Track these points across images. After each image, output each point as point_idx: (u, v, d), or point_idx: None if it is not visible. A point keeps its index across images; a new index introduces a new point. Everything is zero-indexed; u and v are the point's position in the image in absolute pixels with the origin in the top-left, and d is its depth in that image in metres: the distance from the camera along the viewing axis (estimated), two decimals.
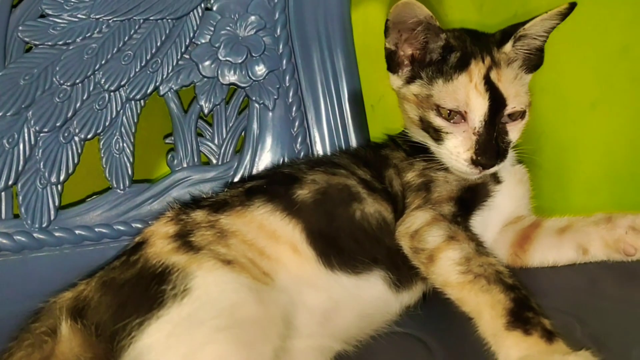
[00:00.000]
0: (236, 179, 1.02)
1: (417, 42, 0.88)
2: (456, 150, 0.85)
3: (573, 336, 0.66)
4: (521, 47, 0.88)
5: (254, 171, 1.03)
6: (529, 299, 0.70)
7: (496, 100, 0.84)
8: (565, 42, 1.13)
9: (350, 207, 0.84)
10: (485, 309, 0.69)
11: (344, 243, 0.82)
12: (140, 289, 0.71)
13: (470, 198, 0.87)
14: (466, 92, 0.84)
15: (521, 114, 0.87)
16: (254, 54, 1.02)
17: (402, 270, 0.82)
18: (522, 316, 0.67)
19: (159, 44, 0.99)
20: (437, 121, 0.86)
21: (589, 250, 0.86)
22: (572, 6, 0.86)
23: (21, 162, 0.95)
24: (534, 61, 0.90)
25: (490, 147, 0.83)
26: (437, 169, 0.88)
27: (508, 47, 0.87)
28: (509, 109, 0.85)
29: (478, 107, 0.83)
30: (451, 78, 0.86)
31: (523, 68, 0.89)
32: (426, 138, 0.89)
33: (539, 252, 0.90)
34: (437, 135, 0.87)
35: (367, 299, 0.81)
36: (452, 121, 0.85)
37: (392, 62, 0.92)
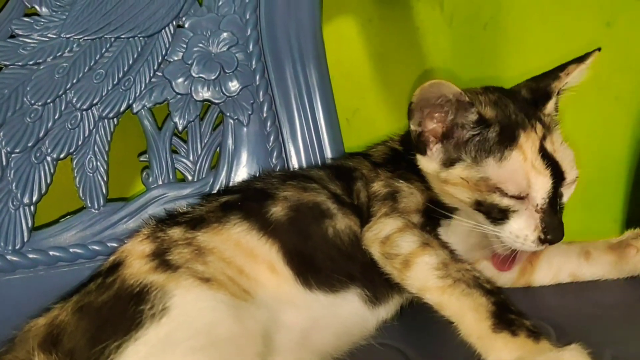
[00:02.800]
0: None
1: (440, 116, 0.81)
2: (523, 233, 0.78)
3: (550, 339, 0.66)
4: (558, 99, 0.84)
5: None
6: (508, 302, 0.70)
7: (557, 174, 0.77)
8: (534, 49, 1.16)
9: (322, 224, 0.83)
10: (468, 313, 0.69)
11: (320, 261, 0.82)
12: (117, 311, 0.70)
13: (435, 210, 0.84)
14: (524, 173, 0.77)
15: (575, 178, 0.80)
16: (227, 70, 1.02)
17: (377, 286, 0.82)
18: (505, 318, 0.68)
19: (131, 62, 0.99)
20: (505, 202, 0.78)
21: (591, 253, 0.85)
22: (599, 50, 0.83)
23: None
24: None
25: (556, 222, 0.77)
26: (400, 180, 0.86)
27: (551, 106, 0.81)
28: (568, 180, 0.79)
29: (540, 187, 0.77)
30: (502, 156, 0.78)
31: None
32: (477, 216, 0.81)
33: (546, 259, 0.87)
34: (502, 215, 0.79)
35: (345, 316, 0.81)
36: (519, 198, 0.78)
37: (420, 144, 0.83)
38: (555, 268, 0.86)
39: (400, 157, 0.92)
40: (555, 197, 0.78)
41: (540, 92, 0.83)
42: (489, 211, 0.79)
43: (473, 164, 0.80)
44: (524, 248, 0.79)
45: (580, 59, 0.83)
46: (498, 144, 0.79)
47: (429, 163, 0.84)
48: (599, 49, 0.82)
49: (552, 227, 0.77)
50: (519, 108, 0.82)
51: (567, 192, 0.80)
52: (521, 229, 0.78)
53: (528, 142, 0.78)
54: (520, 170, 0.77)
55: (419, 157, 0.84)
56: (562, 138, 0.82)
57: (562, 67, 0.84)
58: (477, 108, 0.79)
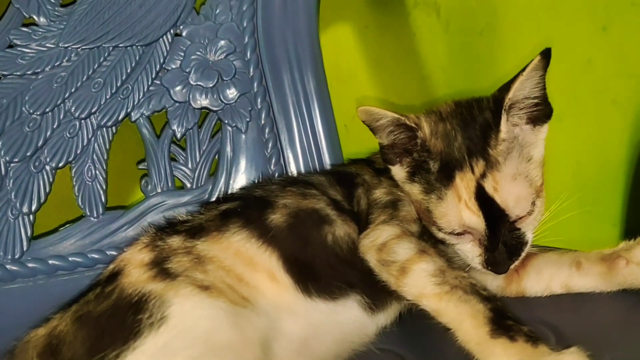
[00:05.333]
0: None
1: (401, 138, 0.82)
2: (470, 255, 0.80)
3: (549, 344, 0.66)
4: (518, 112, 0.79)
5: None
6: (505, 308, 0.70)
7: (494, 214, 0.77)
8: (530, 55, 1.16)
9: (322, 231, 0.83)
10: (466, 319, 0.70)
11: (320, 269, 0.82)
12: (116, 320, 0.70)
13: None
14: (458, 214, 0.78)
15: (528, 213, 0.79)
16: (224, 78, 1.02)
17: (376, 293, 0.82)
18: (503, 324, 0.68)
19: (129, 71, 0.99)
20: (440, 235, 0.81)
21: (582, 263, 0.84)
22: (547, 53, 0.77)
23: None
24: (541, 113, 0.81)
25: (499, 257, 0.78)
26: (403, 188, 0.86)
27: (503, 125, 0.77)
28: (512, 218, 0.78)
29: (474, 225, 0.78)
30: (441, 196, 0.79)
31: (530, 127, 0.81)
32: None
33: (534, 268, 0.87)
34: (443, 242, 0.82)
35: (345, 323, 0.81)
36: (455, 234, 0.80)
37: (388, 155, 0.85)
38: (547, 278, 0.85)
39: None
40: (495, 235, 0.78)
41: (498, 105, 0.79)
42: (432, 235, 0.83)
43: (424, 191, 0.82)
44: (474, 267, 0.81)
45: (523, 68, 0.78)
46: (437, 181, 0.80)
47: (398, 172, 0.86)
48: (547, 50, 0.77)
49: (493, 262, 0.78)
50: (466, 141, 0.80)
51: (524, 226, 0.79)
52: (467, 252, 0.81)
53: (463, 182, 0.78)
54: (453, 210, 0.78)
55: (390, 167, 0.86)
56: (525, 169, 0.79)
57: (512, 79, 0.79)
58: (422, 133, 0.80)
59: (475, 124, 0.81)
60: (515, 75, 0.78)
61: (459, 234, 0.80)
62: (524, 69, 0.77)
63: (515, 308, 0.72)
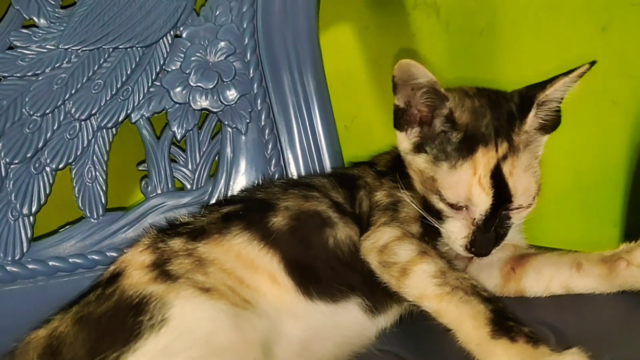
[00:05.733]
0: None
1: (422, 101, 0.82)
2: (454, 235, 0.82)
3: (549, 344, 0.66)
4: (540, 112, 0.82)
5: (229, 195, 1.02)
6: (506, 309, 0.70)
7: (502, 197, 0.78)
8: (530, 55, 1.17)
9: (323, 234, 0.84)
10: (467, 320, 0.70)
11: (321, 271, 0.82)
12: (117, 322, 0.70)
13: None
14: (468, 187, 0.79)
15: (527, 205, 0.82)
16: (224, 79, 1.02)
17: (377, 296, 0.82)
18: (504, 325, 0.68)
19: (129, 72, 0.99)
20: (440, 205, 0.82)
21: (583, 265, 0.84)
22: (592, 64, 0.80)
23: None
24: (550, 122, 0.84)
25: (486, 239, 0.80)
26: (403, 190, 0.86)
27: (530, 118, 0.80)
28: (514, 205, 0.80)
29: (479, 204, 0.79)
30: (454, 165, 0.80)
31: (539, 132, 0.83)
32: (427, 209, 0.84)
33: (534, 268, 0.87)
34: (437, 215, 0.83)
35: (345, 325, 0.81)
36: (454, 208, 0.81)
37: (400, 119, 0.85)
38: (546, 278, 0.85)
39: (404, 164, 0.92)
40: (492, 218, 0.79)
41: (526, 100, 0.82)
42: (429, 208, 0.83)
43: (433, 160, 0.82)
44: (454, 248, 0.82)
45: (568, 72, 0.82)
46: (456, 150, 0.80)
47: (403, 140, 0.86)
48: (592, 62, 0.81)
49: (480, 243, 0.80)
50: (495, 121, 0.81)
51: (517, 217, 0.82)
52: (453, 231, 0.82)
53: (484, 157, 0.79)
54: (465, 182, 0.79)
55: (397, 132, 0.86)
56: (534, 164, 0.82)
57: (552, 79, 0.83)
58: (451, 104, 0.81)
59: (502, 109, 0.83)
60: (556, 76, 0.80)
61: (459, 208, 0.80)
62: (568, 72, 0.80)
63: (515, 308, 0.72)
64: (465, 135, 0.81)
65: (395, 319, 0.85)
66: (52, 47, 0.97)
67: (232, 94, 1.03)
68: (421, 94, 0.81)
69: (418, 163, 0.85)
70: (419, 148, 0.85)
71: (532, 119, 0.81)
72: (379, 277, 0.80)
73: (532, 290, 0.86)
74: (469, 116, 0.82)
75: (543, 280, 0.86)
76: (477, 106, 0.83)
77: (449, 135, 0.81)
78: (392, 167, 0.92)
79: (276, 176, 1.03)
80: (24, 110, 0.96)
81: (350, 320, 0.82)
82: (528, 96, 0.82)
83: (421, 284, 0.75)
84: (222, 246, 0.81)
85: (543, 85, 0.81)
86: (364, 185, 0.91)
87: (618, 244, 0.85)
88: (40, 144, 0.96)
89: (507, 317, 0.69)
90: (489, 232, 0.80)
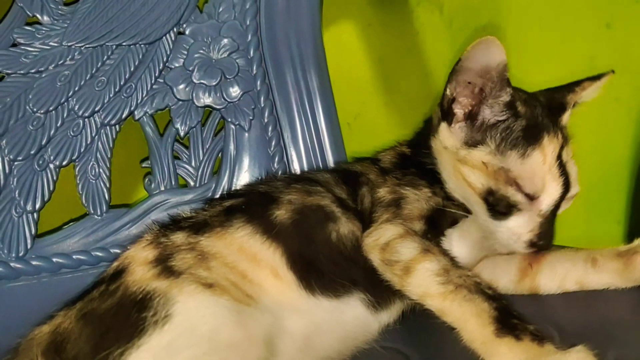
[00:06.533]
0: None
1: (474, 93, 0.81)
2: (518, 231, 0.80)
3: (554, 342, 0.66)
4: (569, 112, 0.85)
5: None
6: (510, 307, 0.70)
7: (566, 184, 0.80)
8: (534, 51, 1.16)
9: (326, 228, 0.83)
10: (471, 318, 0.69)
11: (324, 266, 0.81)
12: (121, 318, 0.70)
13: (439, 217, 0.85)
14: (542, 176, 0.78)
15: (575, 194, 0.82)
16: (228, 76, 1.02)
17: (380, 291, 0.82)
18: (508, 323, 0.67)
19: (132, 69, 0.99)
20: (517, 197, 0.79)
21: (597, 260, 0.83)
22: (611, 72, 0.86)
23: None
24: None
25: (551, 231, 0.80)
26: (407, 187, 0.86)
27: (566, 117, 0.83)
28: (570, 194, 0.81)
29: (552, 193, 0.78)
30: (525, 153, 0.79)
31: None
32: (478, 206, 0.82)
33: (548, 264, 0.86)
34: (506, 209, 0.80)
35: (348, 321, 0.81)
36: (531, 198, 0.79)
37: (449, 112, 0.83)
38: (561, 275, 0.85)
39: (408, 161, 0.92)
40: (557, 207, 0.80)
41: (555, 102, 0.84)
42: (496, 203, 0.80)
43: (496, 151, 0.80)
44: (514, 247, 0.81)
45: (595, 77, 0.85)
46: (522, 139, 0.79)
47: (449, 137, 0.84)
48: (613, 71, 0.85)
49: (546, 235, 0.79)
50: (545, 112, 0.83)
51: (564, 206, 0.82)
52: (518, 227, 0.80)
53: (550, 146, 0.80)
54: (538, 171, 0.79)
55: (442, 126, 0.85)
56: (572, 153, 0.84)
57: (578, 83, 0.86)
58: (512, 90, 0.80)
59: (543, 104, 0.84)
60: (581, 80, 0.85)
61: (533, 199, 0.79)
62: (595, 78, 0.85)
63: (518, 306, 0.71)
64: (528, 124, 0.80)
65: (398, 314, 0.85)
66: (56, 44, 0.97)
67: (235, 91, 1.03)
68: (479, 80, 0.79)
69: (477, 157, 0.82)
70: (470, 142, 0.83)
71: (567, 118, 0.83)
72: (382, 275, 0.80)
73: (547, 287, 0.86)
74: (526, 106, 0.82)
75: (557, 276, 0.85)
76: (527, 99, 0.84)
77: (510, 124, 0.80)
78: (396, 164, 0.92)
79: (279, 173, 1.03)
80: (27, 107, 0.96)
81: (353, 315, 0.81)
82: (557, 98, 0.85)
83: (424, 282, 0.75)
84: (224, 239, 0.81)
85: (569, 87, 0.84)
86: (367, 181, 0.90)
87: (622, 241, 0.86)
88: (44, 141, 0.97)
89: (512, 314, 0.69)
90: (553, 222, 0.79)
